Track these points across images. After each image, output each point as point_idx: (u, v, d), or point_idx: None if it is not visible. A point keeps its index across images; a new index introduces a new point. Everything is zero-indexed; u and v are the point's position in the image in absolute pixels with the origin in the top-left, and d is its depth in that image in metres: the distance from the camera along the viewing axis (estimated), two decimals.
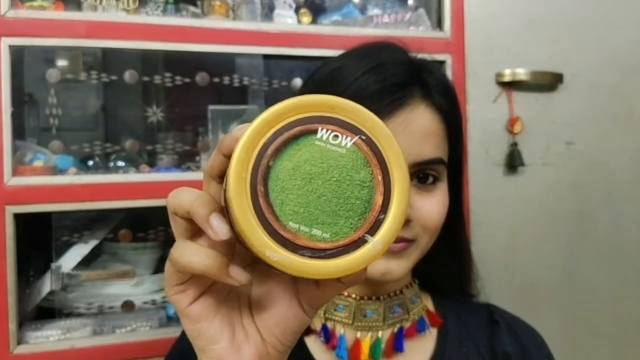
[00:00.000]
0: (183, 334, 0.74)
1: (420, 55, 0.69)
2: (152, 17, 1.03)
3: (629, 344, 1.32)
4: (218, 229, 0.37)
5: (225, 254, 0.40)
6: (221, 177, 0.41)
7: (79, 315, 1.05)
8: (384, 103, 0.60)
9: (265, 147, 0.37)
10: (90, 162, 1.09)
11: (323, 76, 0.66)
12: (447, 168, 0.66)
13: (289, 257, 0.36)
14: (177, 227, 0.42)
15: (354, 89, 0.61)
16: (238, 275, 0.39)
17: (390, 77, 0.62)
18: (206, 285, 0.42)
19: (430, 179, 0.64)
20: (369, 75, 0.61)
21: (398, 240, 0.61)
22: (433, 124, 0.64)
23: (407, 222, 0.61)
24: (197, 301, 0.42)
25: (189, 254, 0.39)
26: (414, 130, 0.61)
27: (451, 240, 0.73)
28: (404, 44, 0.69)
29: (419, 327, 0.69)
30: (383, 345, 0.67)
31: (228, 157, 0.38)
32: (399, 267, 0.63)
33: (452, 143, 0.67)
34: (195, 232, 0.42)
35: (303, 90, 0.68)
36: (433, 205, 0.64)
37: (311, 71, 0.71)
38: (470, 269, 0.78)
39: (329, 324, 0.68)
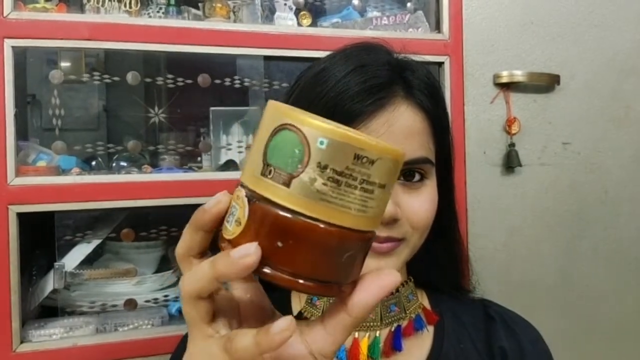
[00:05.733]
0: (185, 338, 0.74)
1: (402, 55, 0.69)
2: (153, 19, 1.04)
3: (627, 343, 1.33)
4: (244, 253, 0.34)
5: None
6: (201, 253, 0.40)
7: (82, 313, 1.06)
8: (366, 104, 0.60)
9: None
10: (93, 163, 1.11)
11: (308, 79, 0.66)
12: (436, 166, 0.67)
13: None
14: (199, 310, 0.39)
15: (336, 90, 0.61)
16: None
17: (371, 78, 0.62)
18: None
19: (417, 177, 0.64)
20: (351, 76, 0.62)
21: (385, 240, 0.61)
22: (416, 123, 0.64)
23: (394, 221, 0.61)
24: None
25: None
26: (397, 130, 0.61)
27: (444, 237, 0.73)
28: (389, 44, 0.69)
29: (416, 325, 0.69)
30: (381, 345, 0.67)
31: (208, 231, 0.38)
32: (389, 265, 0.63)
33: (438, 141, 0.67)
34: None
35: (290, 93, 0.68)
36: (420, 203, 0.63)
37: (298, 74, 0.70)
38: (465, 265, 0.79)
39: None
